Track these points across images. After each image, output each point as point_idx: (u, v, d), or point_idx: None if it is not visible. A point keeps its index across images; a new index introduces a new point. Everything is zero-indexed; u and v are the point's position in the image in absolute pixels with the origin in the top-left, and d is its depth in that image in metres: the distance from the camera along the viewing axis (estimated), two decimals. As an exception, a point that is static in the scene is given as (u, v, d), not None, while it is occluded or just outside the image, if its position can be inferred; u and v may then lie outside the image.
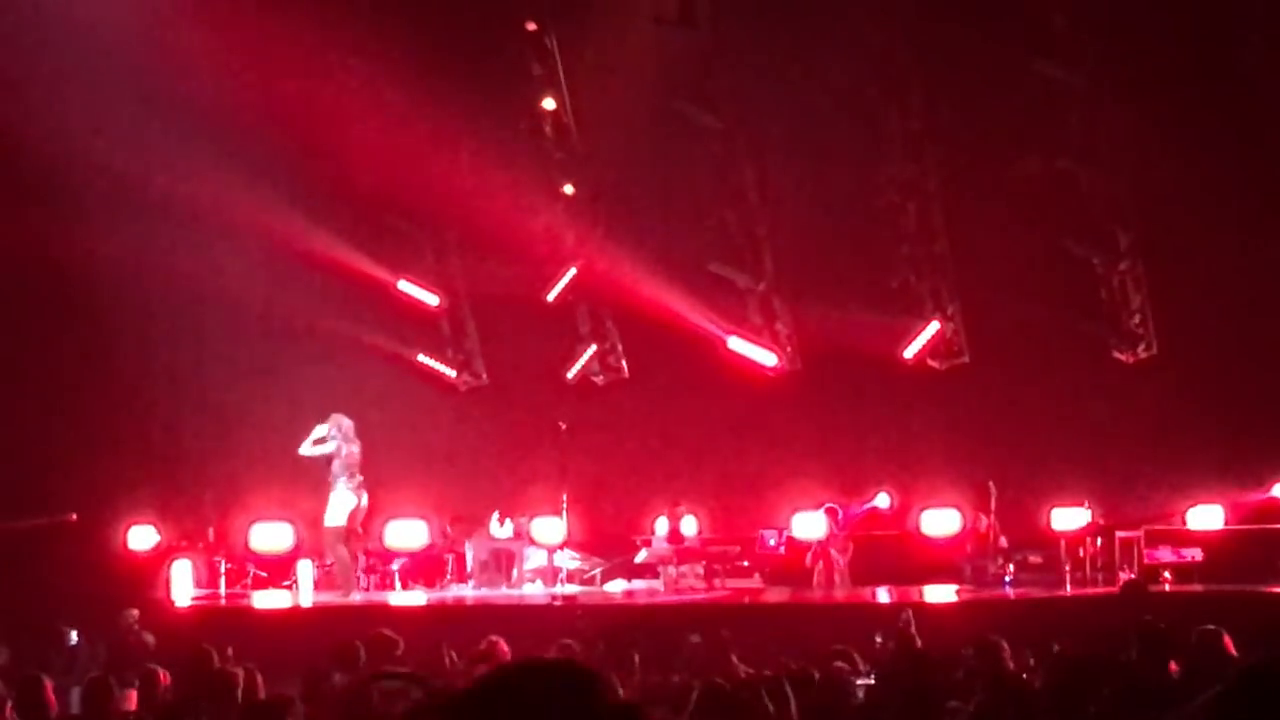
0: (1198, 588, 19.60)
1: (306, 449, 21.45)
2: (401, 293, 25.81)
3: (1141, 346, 23.01)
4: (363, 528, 22.29)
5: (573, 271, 25.30)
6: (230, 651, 13.41)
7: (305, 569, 22.80)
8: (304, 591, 22.58)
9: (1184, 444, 21.99)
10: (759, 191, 24.44)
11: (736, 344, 24.62)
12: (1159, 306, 22.92)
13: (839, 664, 11.58)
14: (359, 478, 21.37)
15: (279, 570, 23.68)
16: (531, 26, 24.60)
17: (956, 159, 23.37)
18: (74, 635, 15.95)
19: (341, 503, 21.30)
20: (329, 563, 22.44)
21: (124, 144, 23.02)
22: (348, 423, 21.41)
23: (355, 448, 21.33)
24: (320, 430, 21.39)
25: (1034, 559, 21.59)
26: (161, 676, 11.28)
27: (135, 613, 18.68)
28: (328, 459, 21.30)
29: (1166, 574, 19.96)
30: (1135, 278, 22.93)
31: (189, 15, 22.69)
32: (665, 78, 24.27)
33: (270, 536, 24.17)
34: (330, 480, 21.34)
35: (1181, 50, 21.71)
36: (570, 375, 25.53)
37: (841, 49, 23.15)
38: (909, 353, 23.90)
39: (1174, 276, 22.52)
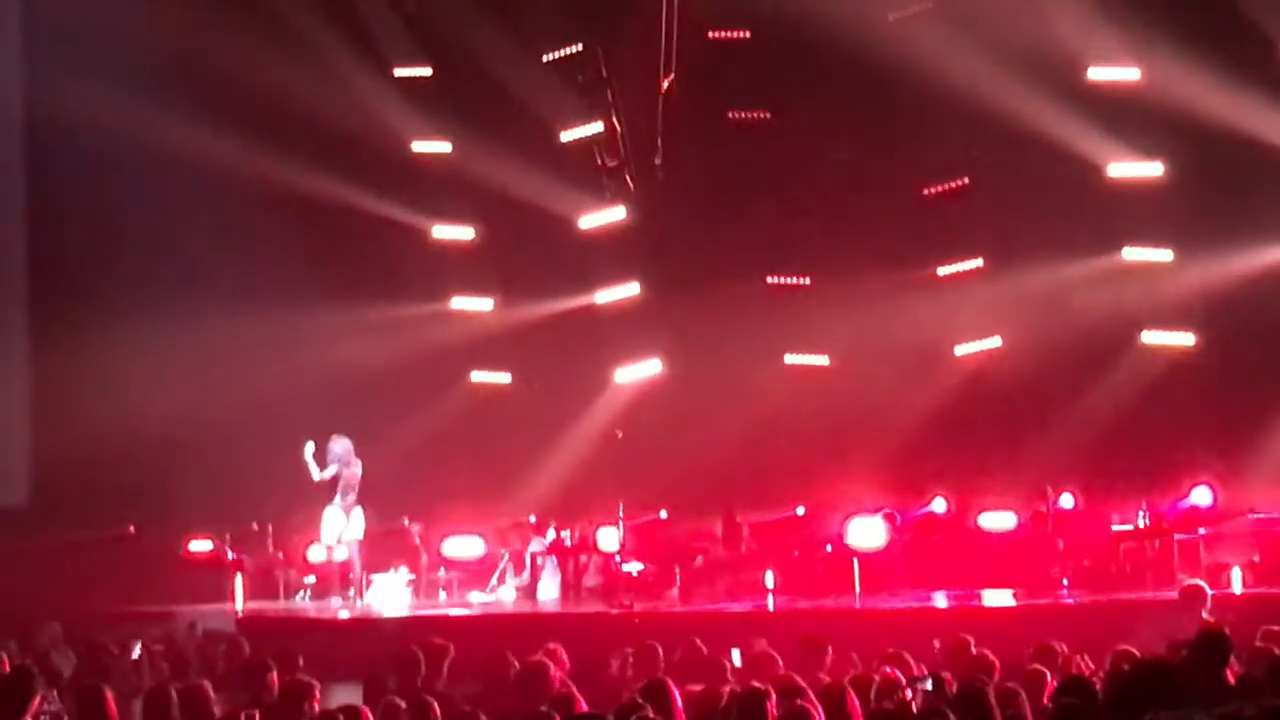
0: (1259, 590, 19.46)
1: (317, 475, 22.26)
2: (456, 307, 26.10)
3: (1193, 345, 22.99)
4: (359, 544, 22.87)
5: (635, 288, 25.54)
6: (301, 661, 13.46)
7: (361, 579, 23.00)
8: (363, 601, 22.74)
9: (1245, 444, 21.88)
10: (812, 189, 24.57)
11: (792, 358, 24.79)
12: (1210, 305, 22.86)
13: (892, 668, 11.56)
14: (351, 496, 22.36)
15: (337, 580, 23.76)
16: (578, 47, 24.78)
17: (1005, 159, 23.43)
18: (138, 647, 16.04)
19: (333, 519, 22.39)
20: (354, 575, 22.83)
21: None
22: (347, 443, 22.33)
23: (354, 469, 22.32)
24: (311, 447, 22.20)
25: (1091, 562, 21.44)
26: (207, 688, 11.32)
27: (196, 623, 18.80)
28: (332, 479, 22.28)
29: (1227, 576, 19.83)
30: (1183, 275, 22.89)
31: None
32: (717, 85, 24.45)
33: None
34: (328, 498, 22.38)
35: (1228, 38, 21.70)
36: (625, 382, 25.58)
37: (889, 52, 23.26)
38: (960, 350, 23.97)
39: (1221, 272, 22.48)
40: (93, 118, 22.91)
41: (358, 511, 22.46)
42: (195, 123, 23.38)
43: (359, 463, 22.38)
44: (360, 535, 22.56)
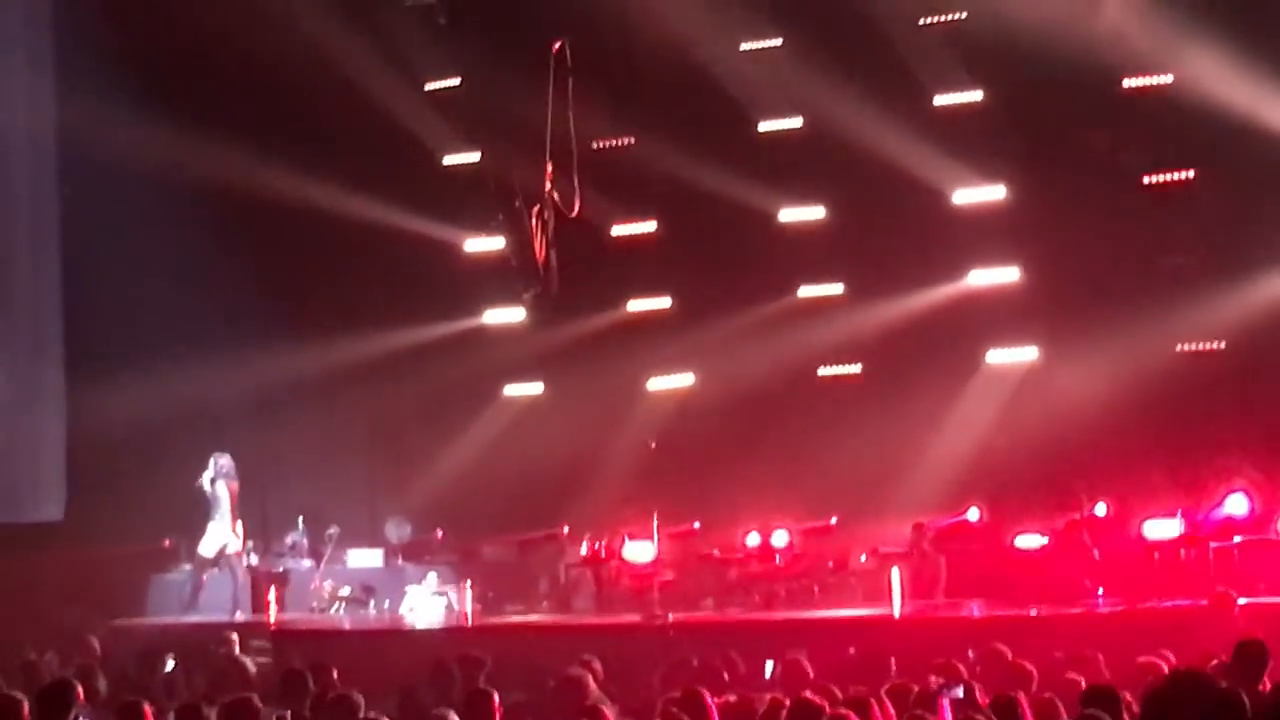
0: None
1: (207, 484, 22.72)
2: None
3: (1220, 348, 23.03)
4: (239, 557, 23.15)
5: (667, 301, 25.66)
6: (335, 675, 13.47)
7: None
8: (394, 613, 22.81)
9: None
10: (837, 200, 24.60)
11: (824, 370, 24.86)
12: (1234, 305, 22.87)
13: (934, 677, 11.56)
14: (233, 510, 22.74)
15: (373, 592, 23.82)
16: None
17: (1037, 171, 23.48)
18: (170, 661, 16.09)
19: (216, 533, 22.66)
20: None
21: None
22: (229, 461, 22.76)
23: (235, 483, 22.77)
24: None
25: (1125, 570, 21.36)
26: (254, 701, 11.30)
27: (234, 636, 18.86)
28: (212, 493, 22.64)
29: (1262, 585, 19.74)
30: (1207, 277, 22.91)
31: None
32: (744, 93, 24.54)
33: (364, 559, 24.39)
34: (209, 512, 22.63)
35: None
36: (655, 390, 25.61)
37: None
38: (991, 358, 24.02)
39: (1246, 275, 22.50)
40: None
41: (239, 526, 22.89)
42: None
43: (237, 480, 22.82)
44: (240, 548, 23.04)
